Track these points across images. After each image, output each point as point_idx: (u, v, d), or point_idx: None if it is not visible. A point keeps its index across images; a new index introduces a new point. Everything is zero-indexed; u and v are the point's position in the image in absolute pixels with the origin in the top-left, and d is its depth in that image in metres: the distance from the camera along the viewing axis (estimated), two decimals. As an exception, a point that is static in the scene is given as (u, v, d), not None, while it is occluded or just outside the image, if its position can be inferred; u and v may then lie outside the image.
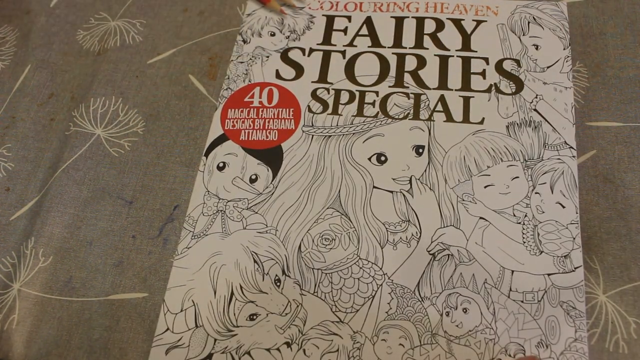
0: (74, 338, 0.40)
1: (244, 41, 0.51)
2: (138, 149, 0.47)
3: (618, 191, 0.42)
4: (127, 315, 0.41)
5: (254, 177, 0.44)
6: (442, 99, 0.46)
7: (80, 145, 0.47)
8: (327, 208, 0.42)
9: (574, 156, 0.42)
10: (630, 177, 0.42)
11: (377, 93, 0.47)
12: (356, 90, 0.47)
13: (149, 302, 0.41)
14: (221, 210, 0.43)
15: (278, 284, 0.40)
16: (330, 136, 0.45)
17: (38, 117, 0.50)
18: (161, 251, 0.43)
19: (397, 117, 0.45)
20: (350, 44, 0.50)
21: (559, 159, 0.42)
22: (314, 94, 0.47)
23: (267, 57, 0.50)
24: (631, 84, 0.46)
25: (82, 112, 0.49)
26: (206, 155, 0.45)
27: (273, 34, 0.51)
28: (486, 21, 0.49)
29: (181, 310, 0.40)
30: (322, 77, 0.48)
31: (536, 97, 0.45)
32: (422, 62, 0.48)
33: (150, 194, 0.45)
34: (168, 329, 0.39)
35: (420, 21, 0.50)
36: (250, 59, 0.50)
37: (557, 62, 0.46)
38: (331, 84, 0.48)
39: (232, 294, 0.40)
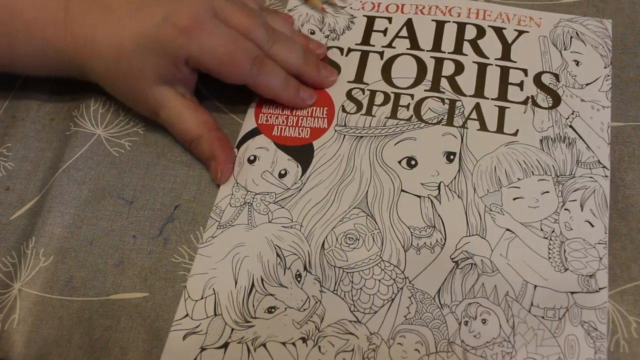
0: (75, 338, 0.40)
1: (284, 36, 0.51)
2: (138, 148, 0.47)
3: (618, 191, 0.42)
4: (127, 315, 0.41)
5: (283, 172, 0.44)
6: (477, 107, 0.45)
7: (80, 145, 0.47)
8: (354, 208, 0.42)
9: (606, 176, 0.42)
10: (630, 176, 0.42)
11: (412, 96, 0.47)
12: (391, 92, 0.47)
13: (149, 301, 0.41)
14: (248, 203, 0.43)
15: (299, 279, 0.40)
16: (362, 137, 0.45)
17: (38, 116, 0.50)
18: (162, 251, 0.43)
19: (430, 121, 0.45)
20: (389, 45, 0.49)
21: (591, 177, 0.42)
22: (349, 94, 0.47)
23: (306, 54, 0.50)
24: (632, 84, 0.46)
25: (83, 111, 0.49)
26: (238, 147, 0.46)
27: (313, 32, 0.51)
28: (528, 32, 0.49)
29: (201, 298, 0.40)
30: (358, 78, 0.48)
31: (572, 114, 0.44)
32: (460, 68, 0.47)
33: (151, 193, 0.45)
34: (187, 315, 0.40)
35: (461, 26, 0.50)
36: (289, 55, 0.50)
37: (596, 80, 0.46)
38: (367, 84, 0.48)
39: (253, 285, 0.40)
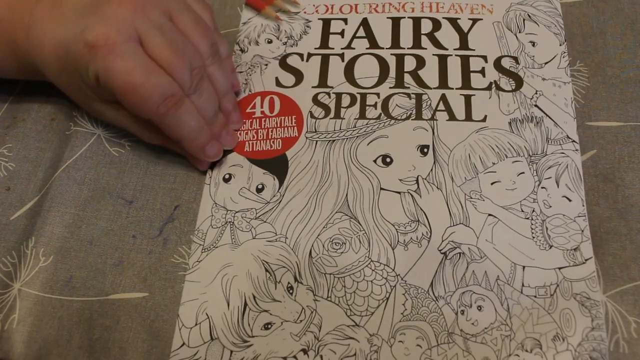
0: (75, 337, 0.40)
1: (242, 50, 0.50)
2: (138, 148, 0.47)
3: (618, 191, 0.42)
4: (127, 314, 0.40)
5: (260, 186, 0.44)
6: (443, 98, 0.46)
7: (80, 145, 0.47)
8: (336, 212, 0.42)
9: (576, 149, 0.43)
10: (630, 176, 0.43)
11: (378, 95, 0.47)
12: (357, 93, 0.47)
13: (149, 301, 0.41)
14: (230, 222, 0.43)
15: (291, 291, 0.40)
16: (334, 140, 0.45)
17: (39, 117, 0.49)
18: (161, 251, 0.43)
19: (399, 117, 0.46)
20: (348, 47, 0.50)
21: (562, 153, 0.43)
22: (315, 99, 0.47)
23: (266, 65, 0.49)
24: (632, 84, 0.46)
25: (83, 111, 0.48)
26: (211, 168, 0.45)
27: (270, 41, 0.51)
28: (482, 19, 0.49)
29: (196, 324, 0.39)
30: (322, 82, 0.48)
31: (536, 93, 0.45)
32: (421, 62, 0.48)
33: (151, 193, 0.45)
34: (184, 343, 0.39)
35: (416, 21, 0.50)
36: (249, 67, 0.49)
37: (554, 58, 0.47)
38: (332, 87, 0.48)
39: (246, 304, 0.40)
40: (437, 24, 0.50)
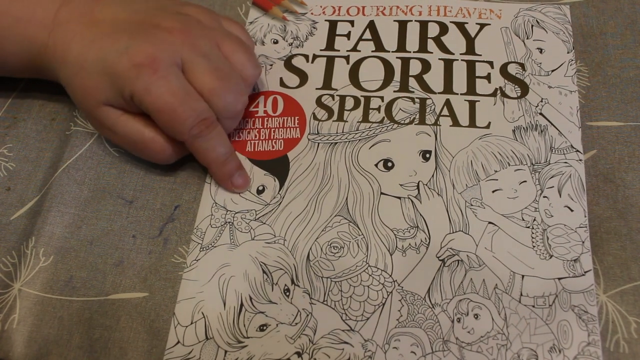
0: (75, 337, 0.40)
1: (247, 49, 0.50)
2: None
3: (618, 191, 0.42)
4: (127, 314, 0.41)
5: (261, 188, 0.44)
6: (447, 103, 0.46)
7: (80, 145, 0.47)
8: (335, 216, 0.42)
9: (580, 160, 0.42)
10: (630, 176, 0.43)
11: (382, 98, 0.47)
12: (361, 96, 0.47)
13: (149, 301, 0.41)
14: (229, 222, 0.43)
15: (287, 293, 0.40)
16: (336, 143, 0.45)
17: (39, 117, 0.50)
18: (161, 251, 0.43)
19: (402, 122, 0.45)
20: (354, 49, 0.49)
21: (565, 162, 0.42)
22: (318, 101, 0.47)
23: (271, 65, 0.49)
24: (632, 84, 0.46)
25: None
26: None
27: (276, 42, 0.51)
28: (490, 24, 0.49)
29: (191, 323, 0.39)
30: (327, 84, 0.48)
31: (541, 101, 0.45)
32: (426, 66, 0.48)
33: (151, 193, 0.45)
34: (179, 341, 0.39)
35: (423, 25, 0.50)
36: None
37: (561, 65, 0.46)
38: (336, 90, 0.47)
39: (242, 305, 0.40)
40: (444, 28, 0.49)
